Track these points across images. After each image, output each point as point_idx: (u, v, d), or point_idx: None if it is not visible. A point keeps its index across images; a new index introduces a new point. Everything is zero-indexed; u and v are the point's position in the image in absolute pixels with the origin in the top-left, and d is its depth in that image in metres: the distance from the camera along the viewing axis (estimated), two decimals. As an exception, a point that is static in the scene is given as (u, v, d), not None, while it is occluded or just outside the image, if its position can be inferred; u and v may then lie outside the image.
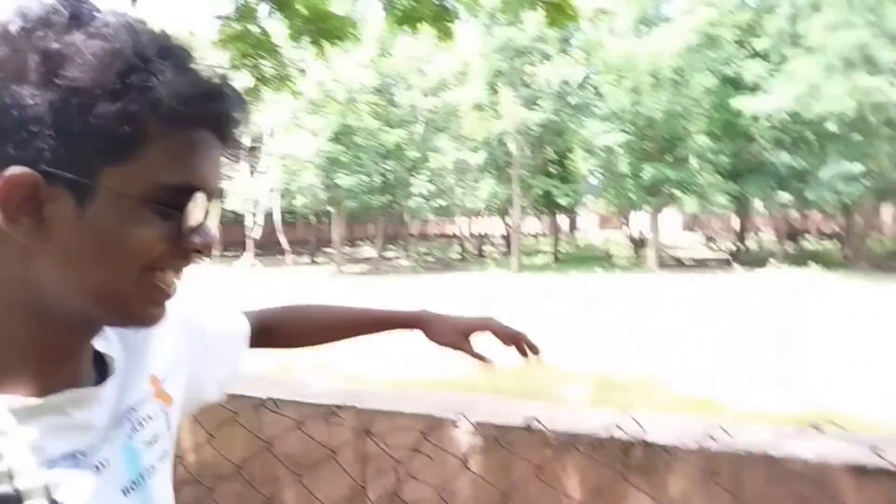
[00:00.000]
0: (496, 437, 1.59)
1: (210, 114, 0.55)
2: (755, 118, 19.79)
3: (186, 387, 0.76)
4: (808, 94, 17.61)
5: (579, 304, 15.78)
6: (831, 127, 18.31)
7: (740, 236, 28.93)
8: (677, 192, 23.00)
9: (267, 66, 4.72)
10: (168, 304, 0.59)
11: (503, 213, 30.17)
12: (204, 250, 0.57)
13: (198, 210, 0.56)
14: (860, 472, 1.32)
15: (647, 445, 1.47)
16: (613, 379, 9.41)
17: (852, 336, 11.61)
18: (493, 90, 23.63)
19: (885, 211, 29.30)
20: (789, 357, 10.35)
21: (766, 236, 36.30)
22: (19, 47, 0.49)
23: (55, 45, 0.49)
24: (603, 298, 16.26)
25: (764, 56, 21.30)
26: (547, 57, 22.57)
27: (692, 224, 52.32)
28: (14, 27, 0.50)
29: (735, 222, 48.99)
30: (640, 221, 30.19)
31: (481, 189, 24.40)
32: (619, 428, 1.49)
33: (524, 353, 1.04)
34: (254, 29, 4.59)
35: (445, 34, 4.30)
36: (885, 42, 16.89)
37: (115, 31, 0.51)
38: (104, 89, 0.49)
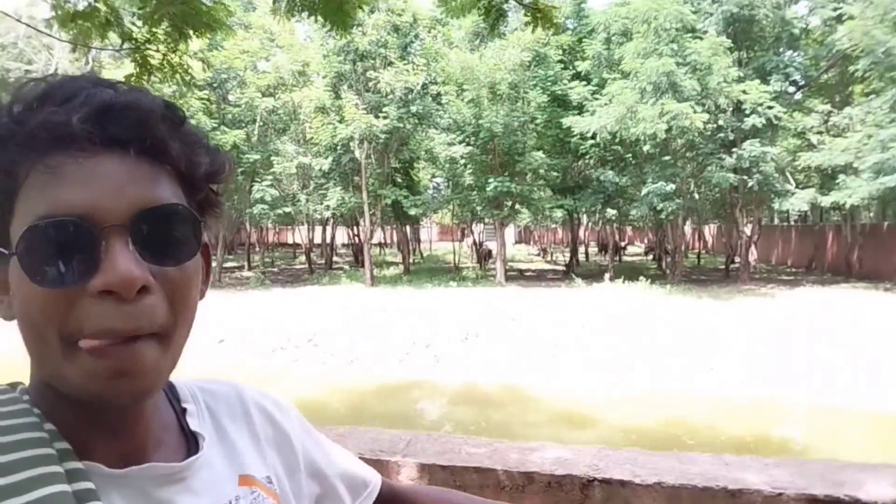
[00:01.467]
0: (444, 480, 1.45)
1: (38, 123, 0.47)
2: (583, 136, 21.17)
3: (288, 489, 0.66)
4: (626, 117, 19.17)
5: (458, 318, 15.96)
6: (646, 148, 20.09)
7: (572, 250, 30.84)
8: (518, 206, 23.96)
9: (154, 53, 4.01)
10: (121, 376, 0.49)
11: (350, 222, 29.56)
12: (110, 292, 0.47)
13: (75, 244, 0.47)
14: (814, 502, 1.30)
15: (605, 482, 1.40)
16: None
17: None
18: (336, 94, 23.12)
19: (687, 227, 32.97)
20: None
21: (591, 249, 39.31)
22: None
23: None
24: (482, 312, 16.39)
25: (586, 78, 22.94)
26: (389, 63, 22.53)
27: (524, 237, 55.49)
28: None
29: (563, 235, 52.69)
30: (477, 233, 31.19)
31: (329, 196, 23.62)
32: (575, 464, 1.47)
33: None
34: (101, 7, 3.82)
35: (342, 25, 3.78)
36: (686, 71, 18.91)
37: None
38: None
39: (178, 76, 4.02)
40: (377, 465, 1.39)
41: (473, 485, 1.41)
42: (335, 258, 32.85)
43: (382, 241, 40.11)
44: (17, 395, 0.53)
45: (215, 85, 22.88)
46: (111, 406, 0.51)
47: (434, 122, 23.63)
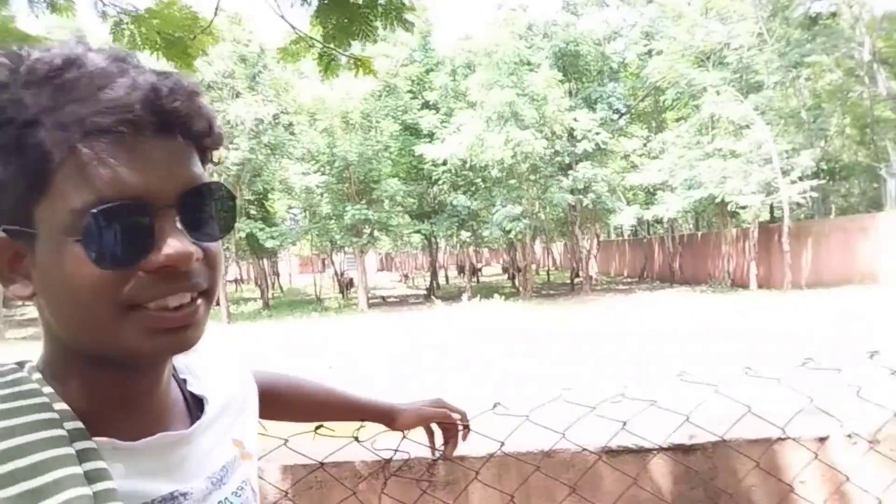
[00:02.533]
0: (305, 478, 1.53)
1: (95, 111, 0.47)
2: (435, 163, 22.08)
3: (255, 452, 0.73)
4: (474, 144, 20.35)
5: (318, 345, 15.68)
6: (494, 173, 21.39)
7: (432, 273, 31.65)
8: (377, 233, 24.27)
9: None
10: (181, 329, 0.53)
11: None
12: (169, 267, 0.50)
13: (134, 225, 0.49)
14: (611, 453, 1.57)
15: (447, 460, 1.55)
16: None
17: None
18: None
19: (537, 246, 35.23)
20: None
21: (451, 273, 40.57)
22: None
23: None
24: (343, 340, 16.22)
25: (434, 107, 24.03)
26: (237, 94, 22.07)
27: (386, 264, 56.00)
28: None
29: (423, 260, 53.81)
30: (338, 263, 31.05)
31: (175, 229, 22.37)
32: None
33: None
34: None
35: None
36: (525, 101, 20.52)
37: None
38: (25, 121, 0.48)
39: None
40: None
41: (329, 479, 1.56)
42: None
43: (238, 277, 38.51)
44: (26, 375, 0.54)
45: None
46: (165, 357, 0.57)
47: (287, 152, 23.39)
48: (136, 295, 0.50)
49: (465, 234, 25.43)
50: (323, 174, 22.41)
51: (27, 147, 0.48)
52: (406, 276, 42.84)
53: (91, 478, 0.48)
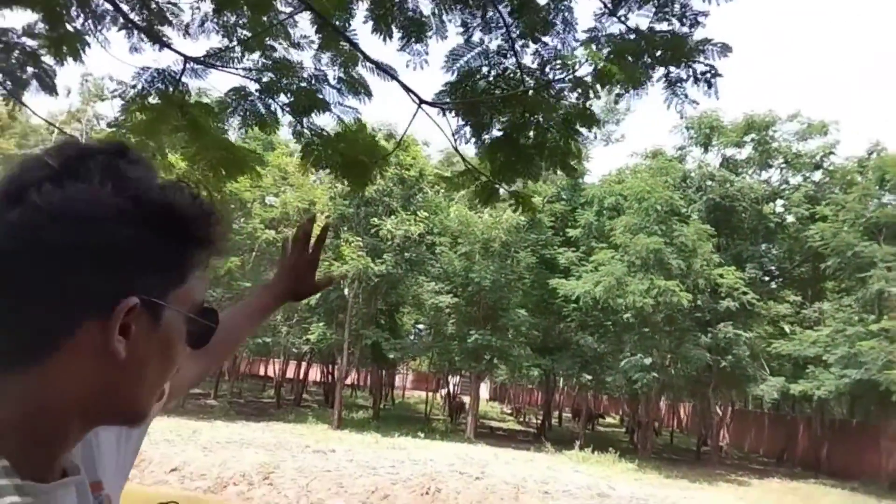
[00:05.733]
0: None
1: (223, 243, 0.70)
2: (567, 299, 21.83)
3: (121, 479, 0.82)
4: (613, 286, 19.95)
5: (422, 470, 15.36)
6: (627, 317, 20.65)
7: (546, 412, 30.40)
8: (496, 360, 24.01)
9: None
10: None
11: (326, 359, 29.21)
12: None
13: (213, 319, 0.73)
14: None
15: None
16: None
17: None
18: (336, 234, 23.98)
19: (662, 403, 32.83)
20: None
21: (565, 414, 38.68)
22: (134, 194, 0.62)
23: (165, 199, 0.64)
24: (447, 467, 15.77)
25: (574, 244, 24.12)
26: (391, 211, 23.64)
27: (499, 394, 54.62)
28: (125, 176, 0.63)
29: (537, 396, 51.87)
30: (451, 385, 30.80)
31: (311, 331, 23.62)
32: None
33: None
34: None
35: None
36: (672, 251, 20.00)
37: (175, 181, 0.68)
38: (171, 231, 0.64)
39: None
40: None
41: None
42: (305, 395, 31.98)
43: (355, 382, 39.35)
44: None
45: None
46: (141, 422, 0.70)
47: (426, 269, 24.35)
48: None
49: (586, 377, 24.38)
50: (455, 296, 22.93)
51: (189, 251, 0.67)
52: (518, 411, 41.38)
53: None
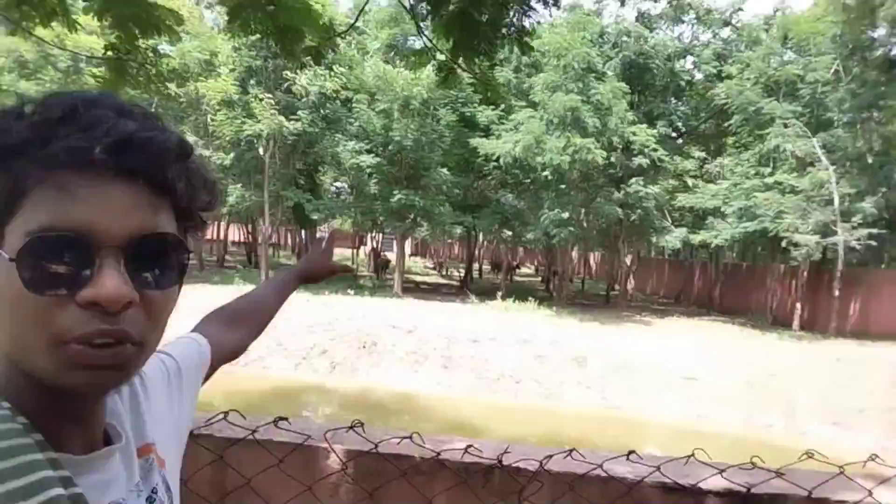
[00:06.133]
0: (368, 466, 1.64)
1: (61, 148, 0.52)
2: (487, 158, 22.06)
3: (177, 438, 0.78)
4: (532, 145, 20.24)
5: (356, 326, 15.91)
6: (546, 175, 21.24)
7: (468, 267, 31.72)
8: (420, 219, 24.40)
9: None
10: (104, 368, 0.55)
11: (245, 220, 28.72)
12: (97, 304, 0.52)
13: (73, 257, 0.52)
14: (666, 489, 1.67)
15: (503, 469, 1.66)
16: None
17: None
18: (244, 88, 22.60)
19: (574, 253, 34.94)
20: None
21: (484, 267, 40.58)
22: None
23: None
24: (380, 322, 16.38)
25: (494, 102, 23.97)
26: (304, 64, 22.37)
27: (419, 249, 56.26)
28: None
29: (458, 251, 53.78)
30: (375, 242, 31.32)
31: (229, 193, 22.90)
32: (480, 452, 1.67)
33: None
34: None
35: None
36: (589, 108, 20.30)
37: (12, 107, 0.55)
38: None
39: (153, 86, 4.06)
40: (305, 449, 1.63)
41: (394, 470, 1.62)
42: (227, 256, 31.73)
43: (277, 242, 39.23)
44: None
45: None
46: (84, 396, 0.58)
47: (343, 128, 23.67)
48: (65, 325, 0.52)
49: (507, 232, 25.40)
50: (376, 155, 22.64)
51: (6, 173, 0.53)
52: (440, 265, 42.99)
53: (63, 484, 0.52)
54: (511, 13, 2.56)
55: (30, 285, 0.51)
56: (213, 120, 22.72)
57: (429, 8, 2.67)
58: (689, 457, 1.75)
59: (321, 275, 1.40)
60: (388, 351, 15.03)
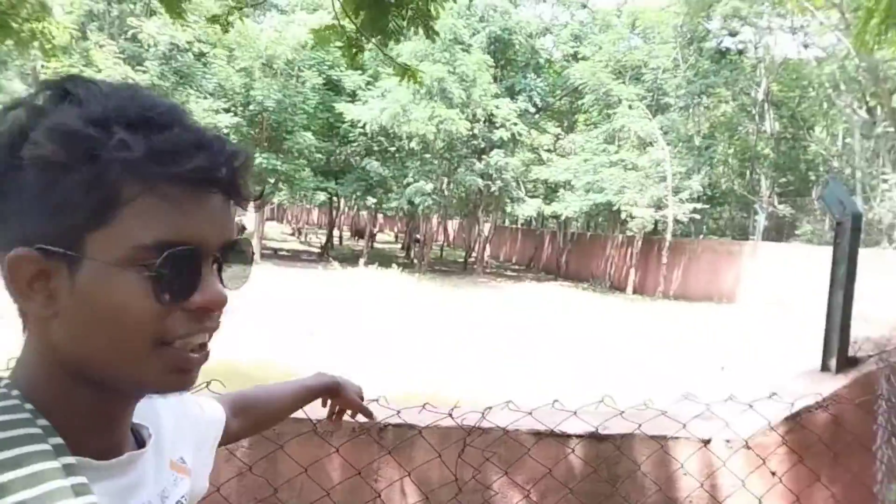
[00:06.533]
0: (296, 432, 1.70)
1: (188, 169, 0.53)
2: (353, 124, 21.83)
3: (193, 466, 0.76)
4: (398, 113, 20.33)
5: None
6: (412, 145, 21.51)
7: (329, 233, 31.30)
8: (281, 184, 23.66)
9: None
10: (191, 371, 0.59)
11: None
12: (208, 308, 0.57)
13: (189, 267, 0.55)
14: (537, 435, 1.92)
15: (397, 426, 1.80)
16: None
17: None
18: (83, 34, 20.37)
19: (433, 220, 35.75)
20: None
21: (344, 234, 40.29)
22: (6, 134, 0.53)
23: (23, 124, 0.53)
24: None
25: (362, 67, 23.69)
26: (153, 12, 20.59)
27: (277, 214, 54.49)
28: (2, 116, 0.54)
29: (316, 217, 52.72)
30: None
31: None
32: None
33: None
34: None
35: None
36: (455, 80, 20.74)
37: (86, 101, 0.53)
38: (68, 161, 0.51)
39: (38, 42, 3.67)
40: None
41: (294, 432, 1.70)
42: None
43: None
44: (6, 391, 0.55)
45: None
46: (165, 393, 0.61)
47: (198, 84, 22.18)
48: (171, 330, 0.55)
49: (371, 200, 25.40)
50: (235, 115, 21.52)
51: (101, 181, 0.51)
52: (299, 231, 42.03)
53: (76, 492, 0.51)
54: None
55: (158, 296, 0.54)
56: (44, 67, 20.25)
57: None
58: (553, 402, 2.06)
59: (346, 400, 1.17)
60: (251, 317, 14.63)
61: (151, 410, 0.70)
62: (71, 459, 0.52)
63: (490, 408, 1.95)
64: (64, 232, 0.52)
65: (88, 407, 0.57)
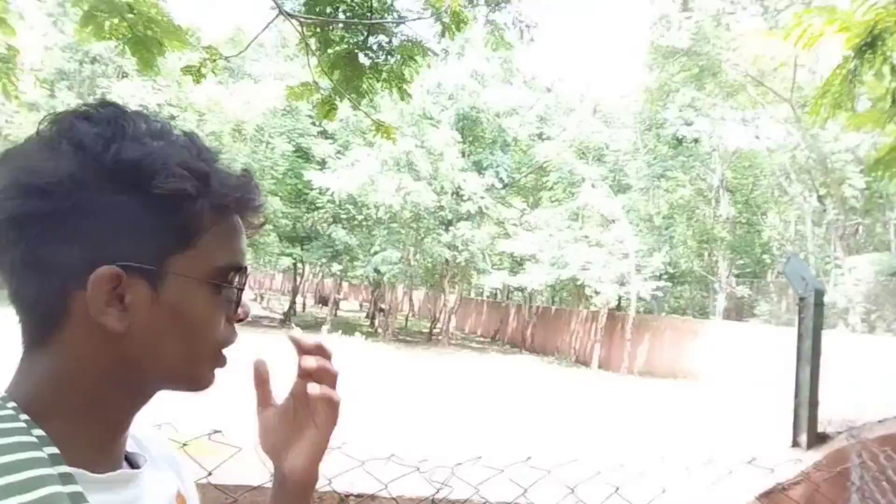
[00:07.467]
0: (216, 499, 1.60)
1: (245, 202, 0.64)
2: (321, 191, 21.92)
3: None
4: (366, 183, 20.53)
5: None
6: (379, 214, 21.63)
7: (292, 299, 30.80)
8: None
9: None
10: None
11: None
12: (241, 319, 0.67)
13: (242, 285, 0.66)
14: None
15: (358, 497, 1.69)
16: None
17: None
18: (52, 93, 20.31)
19: (399, 290, 35.58)
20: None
21: (308, 300, 39.66)
22: (97, 156, 0.56)
23: (134, 155, 0.57)
24: None
25: (332, 137, 24.04)
26: (125, 74, 20.72)
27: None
28: (89, 138, 0.56)
29: (280, 283, 51.99)
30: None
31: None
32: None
33: None
34: None
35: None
36: (424, 154, 21.15)
37: (178, 139, 0.61)
38: (177, 193, 0.58)
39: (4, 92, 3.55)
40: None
41: (252, 500, 1.63)
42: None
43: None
44: (0, 402, 0.56)
45: None
46: (199, 390, 0.66)
47: (167, 146, 22.10)
48: (226, 337, 0.65)
49: (337, 267, 25.20)
50: (201, 178, 21.40)
51: (187, 213, 0.59)
52: (261, 297, 41.24)
53: (73, 500, 0.52)
54: (392, 60, 2.69)
55: (227, 310, 0.64)
56: (9, 122, 20.02)
57: (319, 44, 2.71)
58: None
59: (297, 463, 0.87)
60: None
61: (142, 448, 0.71)
62: (67, 469, 0.54)
63: (460, 464, 1.82)
64: (147, 253, 0.58)
65: (96, 420, 0.59)
